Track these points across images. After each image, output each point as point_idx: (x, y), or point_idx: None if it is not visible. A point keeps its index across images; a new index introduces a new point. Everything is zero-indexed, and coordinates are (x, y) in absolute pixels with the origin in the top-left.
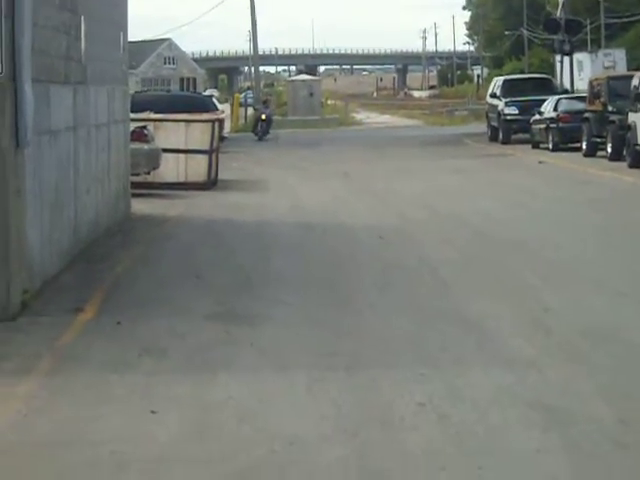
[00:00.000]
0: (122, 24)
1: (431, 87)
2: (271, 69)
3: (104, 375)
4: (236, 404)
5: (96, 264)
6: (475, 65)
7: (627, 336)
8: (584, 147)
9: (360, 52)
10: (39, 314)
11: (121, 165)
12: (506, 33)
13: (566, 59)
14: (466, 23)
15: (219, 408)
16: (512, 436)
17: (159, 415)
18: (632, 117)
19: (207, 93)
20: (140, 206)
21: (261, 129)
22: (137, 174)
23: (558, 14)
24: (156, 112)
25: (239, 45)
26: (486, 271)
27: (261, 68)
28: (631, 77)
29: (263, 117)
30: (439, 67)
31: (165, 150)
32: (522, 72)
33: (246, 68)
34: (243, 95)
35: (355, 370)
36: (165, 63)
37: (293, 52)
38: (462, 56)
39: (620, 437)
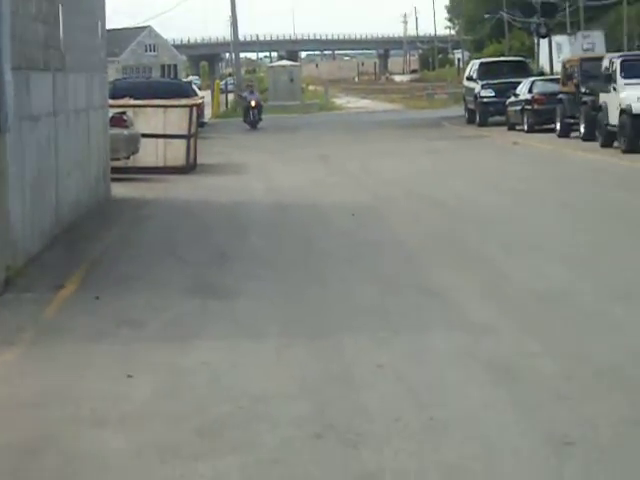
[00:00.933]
0: (100, 13)
1: (412, 71)
2: (252, 55)
3: (84, 345)
4: (208, 368)
5: (77, 243)
6: (456, 49)
7: (580, 301)
8: (558, 128)
9: (341, 38)
10: (22, 290)
11: (101, 150)
12: (486, 16)
13: (545, 42)
14: (446, 7)
15: (192, 372)
16: (463, 392)
17: (135, 379)
18: (603, 98)
19: (188, 80)
20: (120, 190)
21: (253, 117)
22: (117, 159)
23: None
24: (136, 98)
25: (220, 31)
26: (452, 245)
27: (242, 54)
28: (602, 59)
29: (253, 104)
30: (420, 51)
31: (144, 135)
32: (502, 55)
33: (227, 54)
34: (224, 82)
35: (321, 336)
36: (146, 50)
37: (274, 38)
38: (443, 40)
39: (563, 391)
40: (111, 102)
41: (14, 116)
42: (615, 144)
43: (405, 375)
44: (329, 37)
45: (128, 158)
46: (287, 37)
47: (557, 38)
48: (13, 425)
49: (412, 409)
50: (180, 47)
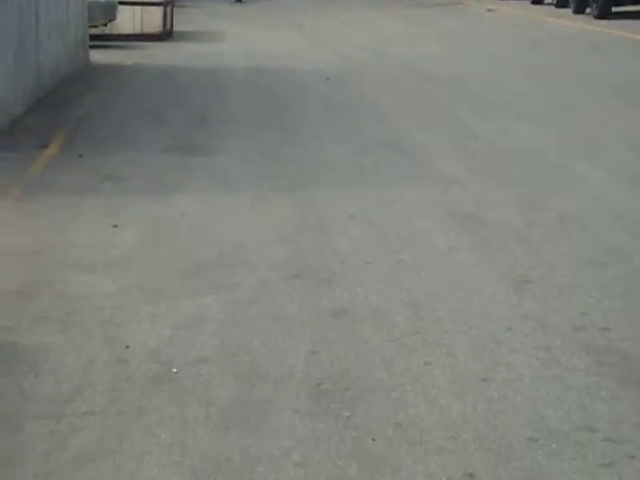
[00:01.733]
0: None
1: None
2: None
3: (70, 198)
4: (188, 219)
5: (58, 107)
6: None
7: (545, 157)
8: None
9: None
10: (7, 150)
11: (79, 15)
12: None
13: None
14: None
15: (173, 222)
16: (430, 238)
17: (120, 228)
18: None
19: None
20: (98, 56)
21: None
22: (95, 26)
23: None
24: None
25: None
26: (423, 106)
27: None
28: None
29: None
30: None
31: (121, 2)
32: None
33: None
34: None
35: (295, 190)
36: None
37: None
38: None
39: (524, 236)
40: None
41: None
42: (587, 11)
43: (376, 223)
44: None
45: (105, 25)
46: None
47: None
48: (6, 273)
49: (382, 253)
50: None
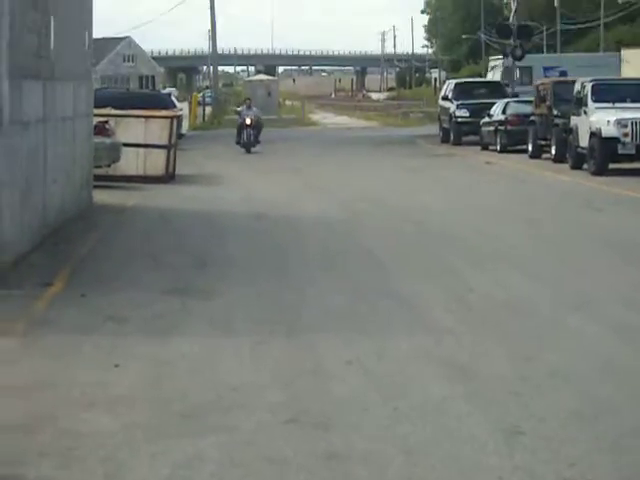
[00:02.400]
0: (87, 23)
1: (389, 89)
2: (229, 69)
3: (73, 336)
4: (188, 361)
5: (62, 245)
6: (433, 68)
7: (539, 310)
8: (530, 149)
9: (319, 53)
10: (13, 287)
11: (85, 157)
12: (464, 37)
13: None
14: (425, 26)
15: (173, 363)
16: (425, 386)
17: (122, 368)
18: (574, 121)
19: (166, 91)
20: (101, 196)
21: (247, 138)
22: (99, 166)
23: (511, 20)
24: (116, 108)
25: (198, 44)
26: (420, 256)
27: (220, 68)
28: (574, 82)
29: (248, 121)
30: (397, 69)
31: (125, 144)
32: (479, 76)
33: (205, 67)
34: (202, 94)
35: (293, 336)
36: (124, 61)
37: (252, 52)
38: (420, 59)
39: (517, 389)
40: (94, 111)
41: (8, 121)
42: (584, 166)
43: (372, 371)
44: (307, 52)
45: (109, 166)
46: (265, 51)
47: None
48: (10, 407)
49: (378, 400)
50: (158, 59)
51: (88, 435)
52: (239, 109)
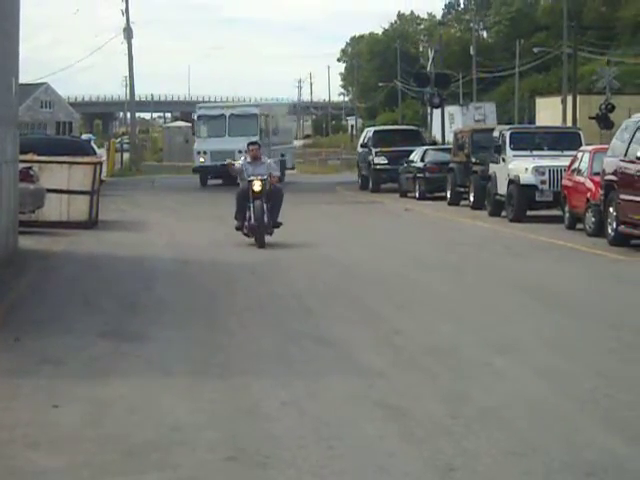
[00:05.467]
0: (14, 70)
1: (306, 136)
2: (146, 115)
3: (9, 379)
4: (127, 401)
5: None
6: (350, 115)
7: (465, 353)
8: (449, 196)
9: (236, 100)
10: None
11: (11, 202)
12: (380, 85)
13: (439, 111)
14: (341, 74)
15: (112, 403)
16: (359, 426)
17: (61, 409)
18: (493, 168)
19: (85, 137)
20: (26, 242)
21: (257, 218)
22: (23, 212)
23: (428, 68)
24: (38, 154)
25: (115, 90)
26: (347, 301)
27: (136, 114)
28: (493, 130)
29: (257, 188)
30: (314, 117)
31: (49, 190)
32: (395, 123)
33: (121, 113)
34: (119, 141)
35: (228, 377)
36: (42, 107)
37: (169, 98)
38: (337, 106)
39: (449, 427)
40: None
41: None
42: (503, 213)
43: (307, 411)
44: (224, 99)
45: (33, 212)
46: (182, 98)
47: (450, 108)
48: None
49: (313, 439)
50: (74, 104)
51: (34, 473)
52: (236, 162)
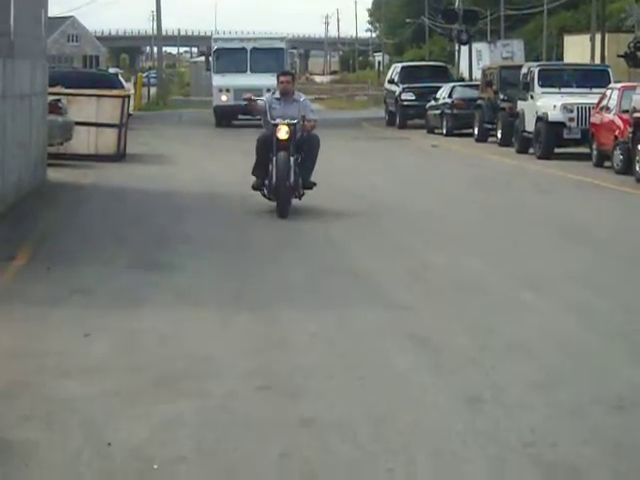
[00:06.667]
0: (43, 2)
1: (333, 72)
2: (173, 50)
3: (42, 308)
4: (157, 331)
5: (22, 222)
6: (377, 52)
7: (494, 288)
8: (476, 133)
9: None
10: None
11: (40, 135)
12: (407, 21)
13: (466, 48)
14: (368, 10)
15: (143, 333)
16: (388, 358)
17: (92, 337)
18: (521, 105)
19: (112, 71)
20: (55, 175)
21: (281, 177)
22: (51, 145)
23: (456, 5)
24: (66, 87)
25: (142, 25)
26: (375, 236)
27: (163, 49)
28: (521, 67)
29: (284, 135)
30: (341, 53)
31: (77, 123)
32: (423, 60)
33: (147, 48)
34: (146, 75)
35: (257, 309)
36: (69, 41)
37: (195, 34)
38: (364, 42)
39: (477, 360)
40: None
41: None
42: (530, 150)
43: (336, 342)
44: (250, 34)
45: (62, 144)
46: (209, 33)
47: (477, 45)
48: None
49: (343, 370)
50: (101, 39)
51: (66, 401)
52: (260, 98)
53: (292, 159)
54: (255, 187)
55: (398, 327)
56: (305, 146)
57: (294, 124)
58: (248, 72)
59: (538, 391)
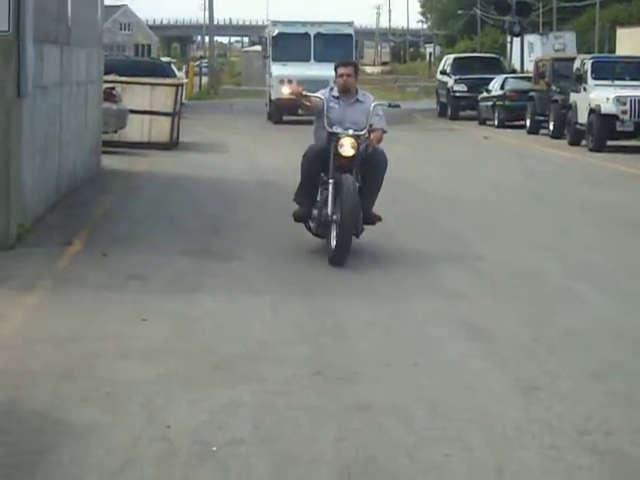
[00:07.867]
0: None
1: (384, 63)
2: (224, 39)
3: (99, 292)
4: (213, 316)
5: (77, 208)
6: (428, 43)
7: (547, 278)
8: (528, 124)
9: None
10: (34, 245)
11: (95, 122)
12: (459, 12)
13: (518, 40)
14: (420, 1)
15: (199, 318)
16: (443, 344)
17: (149, 322)
18: (573, 97)
19: (165, 60)
20: (109, 162)
21: (347, 206)
22: (106, 132)
23: None
24: (120, 75)
25: (193, 14)
26: (427, 225)
27: (215, 38)
28: (574, 59)
29: (349, 150)
30: (392, 44)
31: (131, 111)
32: (474, 51)
33: (199, 37)
34: (197, 64)
35: (312, 296)
36: (121, 29)
37: (247, 23)
38: (415, 34)
39: (531, 349)
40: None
41: (32, 84)
42: (582, 143)
43: (391, 330)
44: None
45: (116, 132)
46: (260, 22)
47: (529, 37)
48: (48, 356)
49: (399, 356)
50: (153, 28)
51: (125, 383)
52: (316, 94)
53: (355, 184)
54: (297, 218)
55: (452, 315)
56: (369, 166)
57: (361, 135)
58: (312, 61)
59: (593, 380)
